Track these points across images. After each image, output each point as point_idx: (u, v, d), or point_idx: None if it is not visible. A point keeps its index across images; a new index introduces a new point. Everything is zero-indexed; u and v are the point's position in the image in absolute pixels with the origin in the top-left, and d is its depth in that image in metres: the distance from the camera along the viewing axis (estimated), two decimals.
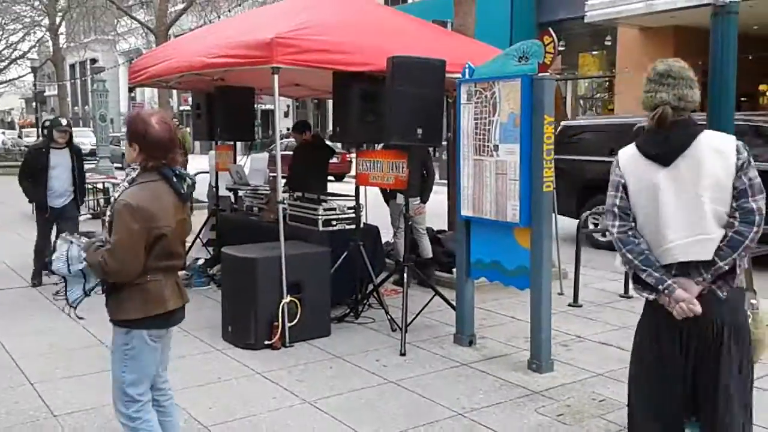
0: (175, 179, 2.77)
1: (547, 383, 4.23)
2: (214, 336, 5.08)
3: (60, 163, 6.68)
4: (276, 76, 4.95)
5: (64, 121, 6.98)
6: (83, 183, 7.07)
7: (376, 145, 6.19)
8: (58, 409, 3.80)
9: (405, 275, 5.22)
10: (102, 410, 3.69)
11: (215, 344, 4.95)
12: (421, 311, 5.41)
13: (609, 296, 6.48)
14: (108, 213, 2.77)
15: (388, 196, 6.85)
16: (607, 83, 20.06)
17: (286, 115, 36.02)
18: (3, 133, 43.62)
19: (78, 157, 6.89)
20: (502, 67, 4.58)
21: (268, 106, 31.85)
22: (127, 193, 2.70)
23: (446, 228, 7.66)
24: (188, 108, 30.28)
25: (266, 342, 4.85)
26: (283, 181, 7.30)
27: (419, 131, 4.95)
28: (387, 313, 5.41)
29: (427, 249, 6.80)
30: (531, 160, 4.36)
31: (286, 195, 6.27)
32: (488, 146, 4.62)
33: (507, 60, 4.56)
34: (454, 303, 5.18)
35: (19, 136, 36.66)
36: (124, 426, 2.82)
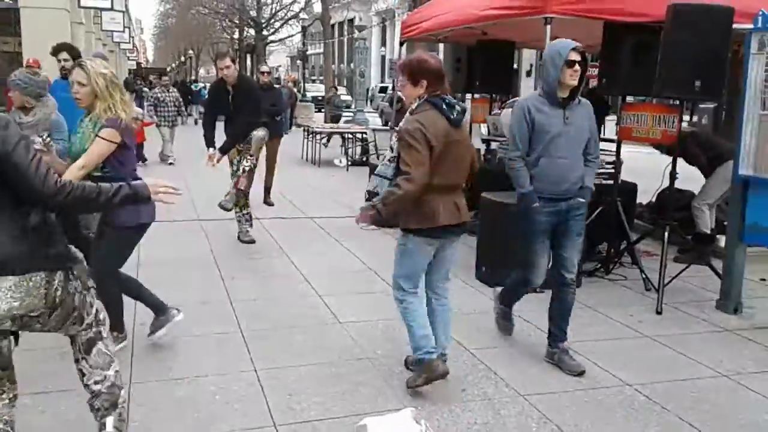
0: (444, 107, 3.20)
1: None
2: (469, 274, 5.43)
3: None
4: (548, 27, 5.00)
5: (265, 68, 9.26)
6: None
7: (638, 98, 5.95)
8: (343, 317, 4.44)
9: (665, 234, 5.04)
10: (391, 323, 4.18)
11: (469, 281, 5.31)
12: (679, 273, 5.19)
13: None
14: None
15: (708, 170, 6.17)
16: None
17: (528, 74, 35.15)
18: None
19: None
20: None
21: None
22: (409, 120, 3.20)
23: None
24: None
25: None
26: None
27: (697, 84, 4.67)
28: (642, 271, 5.29)
29: (705, 224, 6.09)
30: None
31: None
32: None
33: None
34: (719, 271, 4.89)
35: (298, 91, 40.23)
36: (397, 303, 3.43)
